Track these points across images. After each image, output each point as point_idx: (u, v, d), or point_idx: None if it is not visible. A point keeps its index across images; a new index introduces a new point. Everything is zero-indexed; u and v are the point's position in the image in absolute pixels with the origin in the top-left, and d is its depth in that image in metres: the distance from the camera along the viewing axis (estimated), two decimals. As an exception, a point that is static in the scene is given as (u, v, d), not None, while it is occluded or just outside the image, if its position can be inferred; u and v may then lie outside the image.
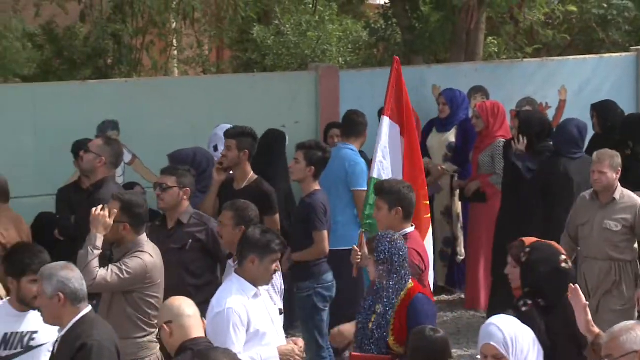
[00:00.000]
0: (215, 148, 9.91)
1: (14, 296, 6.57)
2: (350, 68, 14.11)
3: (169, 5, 14.02)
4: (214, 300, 6.64)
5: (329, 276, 8.81)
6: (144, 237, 7.28)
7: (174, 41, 14.80)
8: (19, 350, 6.51)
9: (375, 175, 8.40)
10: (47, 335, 6.31)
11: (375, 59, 15.44)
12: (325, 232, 8.77)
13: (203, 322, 5.96)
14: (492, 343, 5.65)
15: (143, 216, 7.28)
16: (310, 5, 14.78)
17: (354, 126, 10.25)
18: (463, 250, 11.31)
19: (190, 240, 8.04)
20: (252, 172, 9.05)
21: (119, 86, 11.53)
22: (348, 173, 9.82)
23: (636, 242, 8.80)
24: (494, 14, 14.09)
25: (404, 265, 6.83)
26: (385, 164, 8.47)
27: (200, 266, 8.08)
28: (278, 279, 7.48)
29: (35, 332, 6.49)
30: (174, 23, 14.68)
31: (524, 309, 6.39)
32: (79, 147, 9.21)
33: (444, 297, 11.42)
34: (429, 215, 8.67)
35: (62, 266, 6.06)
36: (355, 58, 15.38)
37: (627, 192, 8.73)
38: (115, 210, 7.14)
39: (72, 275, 5.99)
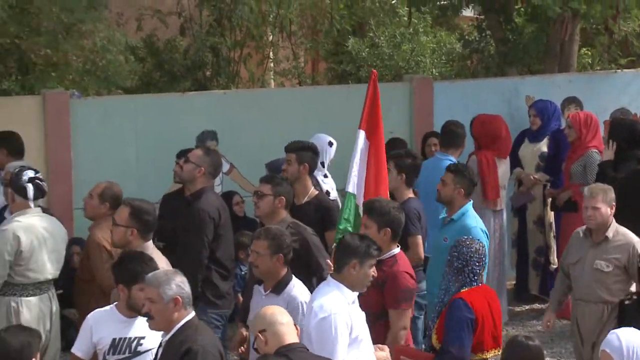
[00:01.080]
0: (311, 157, 9.97)
1: (123, 303, 6.65)
2: (444, 79, 14.10)
3: (266, 18, 14.19)
4: (315, 306, 6.59)
5: (424, 285, 8.65)
6: (150, 243, 7.34)
7: (271, 53, 14.93)
8: (126, 355, 6.60)
9: (350, 189, 8.13)
10: (154, 340, 6.37)
11: (468, 70, 15.40)
12: (420, 237, 8.66)
13: (297, 328, 6.02)
14: (607, 350, 5.64)
15: (151, 223, 7.38)
16: (405, 18, 14.77)
17: (453, 137, 10.21)
18: (556, 259, 11.21)
19: None
20: (312, 186, 8.99)
21: (218, 98, 11.66)
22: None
23: (633, 284, 8.03)
24: (588, 25, 13.97)
25: (474, 272, 6.93)
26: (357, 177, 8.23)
27: (295, 273, 8.11)
28: None
29: (143, 338, 6.57)
30: (271, 36, 14.81)
31: (627, 302, 6.42)
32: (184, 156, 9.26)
33: (537, 305, 11.27)
34: None
35: (174, 272, 6.16)
36: (448, 69, 15.36)
37: (622, 230, 8.05)
38: None
39: (184, 280, 6.11)
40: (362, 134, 8.24)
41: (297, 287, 7.20)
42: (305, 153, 8.95)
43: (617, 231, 8.03)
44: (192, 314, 6.12)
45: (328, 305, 6.53)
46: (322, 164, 9.87)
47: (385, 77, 13.91)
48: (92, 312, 6.84)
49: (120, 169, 10.42)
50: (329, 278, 6.87)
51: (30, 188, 8.06)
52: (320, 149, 9.74)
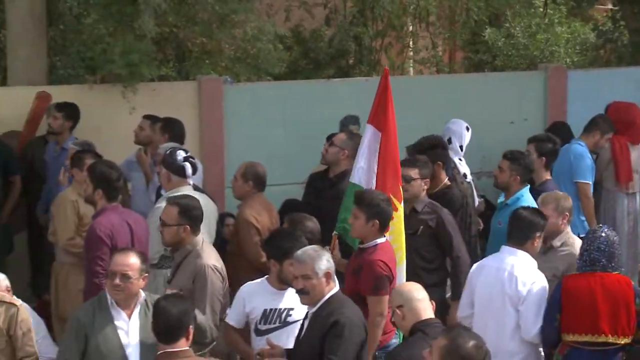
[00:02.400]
0: (449, 141, 9.90)
1: (274, 276, 6.72)
2: (578, 68, 13.83)
3: (406, 9, 14.13)
4: (532, 275, 6.89)
5: None
6: (200, 237, 7.06)
7: (410, 43, 14.86)
8: (277, 325, 6.67)
9: (355, 180, 7.92)
10: (302, 312, 6.42)
11: (601, 60, 15.07)
12: None
13: (432, 304, 5.98)
14: None
15: (200, 217, 7.06)
16: (540, 9, 14.55)
17: (590, 125, 10.05)
18: None
19: (422, 227, 8.06)
20: (446, 178, 8.89)
21: (360, 84, 11.67)
22: (572, 166, 9.64)
23: None
24: None
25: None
26: (364, 170, 7.94)
27: (430, 250, 8.08)
28: None
29: (292, 309, 6.64)
30: (411, 26, 14.75)
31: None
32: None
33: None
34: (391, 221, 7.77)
35: (320, 248, 6.25)
36: (582, 59, 15.06)
37: (573, 241, 7.55)
38: None
39: (330, 255, 6.18)
40: (369, 128, 7.93)
41: None
42: (434, 152, 8.90)
43: (567, 242, 7.56)
44: (337, 287, 6.15)
45: (541, 274, 6.89)
46: (461, 147, 9.84)
47: (520, 65, 13.71)
48: (244, 285, 6.94)
49: (269, 151, 10.54)
50: (514, 249, 6.97)
51: (187, 166, 8.17)
52: (458, 134, 9.77)
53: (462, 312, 7.21)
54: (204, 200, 8.30)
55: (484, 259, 7.31)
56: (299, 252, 6.21)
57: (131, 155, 9.95)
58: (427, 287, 6.18)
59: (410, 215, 8.09)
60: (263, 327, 6.69)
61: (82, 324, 6.12)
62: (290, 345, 6.38)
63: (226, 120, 10.91)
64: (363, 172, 7.86)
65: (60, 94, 10.31)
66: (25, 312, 6.33)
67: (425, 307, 5.90)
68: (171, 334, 5.57)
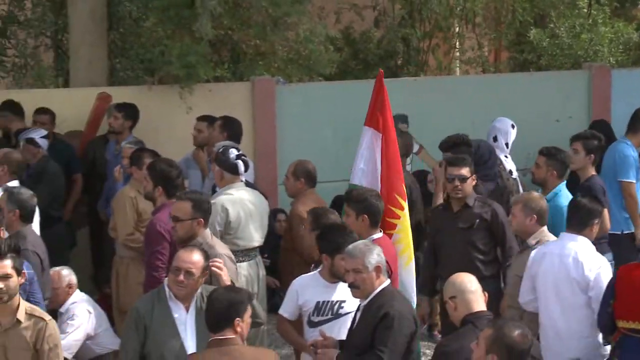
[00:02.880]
0: (495, 139, 9.91)
1: (327, 270, 6.75)
2: (621, 67, 13.75)
3: (453, 11, 14.13)
4: (598, 259, 6.92)
5: (609, 256, 8.38)
6: (208, 230, 7.01)
7: (457, 43, 14.85)
8: (329, 317, 6.70)
9: (355, 182, 7.74)
10: (353, 304, 6.44)
11: (644, 59, 14.97)
12: (606, 210, 8.39)
13: (485, 295, 5.99)
14: None
15: (209, 211, 7.01)
16: (584, 10, 14.47)
17: (634, 122, 9.98)
18: None
19: (477, 220, 8.05)
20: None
21: (408, 84, 11.73)
22: (617, 164, 9.60)
23: None
24: None
25: None
26: (365, 172, 7.78)
27: (486, 243, 8.06)
28: None
29: (344, 301, 6.66)
30: (457, 27, 14.73)
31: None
32: None
33: None
34: (396, 219, 7.65)
35: (369, 242, 6.30)
36: (625, 58, 14.95)
37: (547, 239, 7.34)
38: None
39: (380, 249, 6.21)
40: (367, 130, 7.79)
41: None
42: (459, 149, 8.84)
43: (541, 240, 7.35)
44: (388, 281, 6.21)
45: (604, 258, 6.98)
46: (507, 144, 9.86)
47: (565, 65, 13.64)
48: (297, 278, 6.98)
49: (319, 149, 10.61)
50: (574, 235, 6.99)
51: (240, 164, 8.21)
52: (504, 132, 9.80)
53: (524, 298, 7.17)
54: (255, 196, 8.39)
55: (543, 246, 7.24)
56: (350, 246, 6.26)
57: (188, 152, 10.05)
58: (484, 278, 6.19)
59: (463, 211, 8.10)
60: (316, 319, 6.73)
61: (141, 315, 6.18)
62: (343, 336, 6.41)
63: (278, 119, 11.00)
64: (363, 174, 7.74)
65: (120, 94, 10.45)
66: (54, 327, 6.17)
67: (477, 299, 5.88)
68: (219, 324, 5.62)
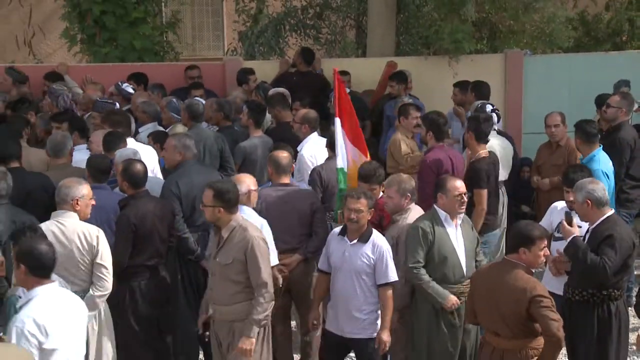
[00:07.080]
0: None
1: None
2: None
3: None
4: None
5: None
6: (238, 214, 6.07)
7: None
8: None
9: (342, 165, 6.95)
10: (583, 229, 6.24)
11: None
12: None
13: None
14: None
15: (234, 199, 6.02)
16: None
17: None
18: None
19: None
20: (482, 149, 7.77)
21: (632, 55, 11.42)
22: None
23: None
24: None
25: None
26: (344, 154, 7.00)
27: None
28: None
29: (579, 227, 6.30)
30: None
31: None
32: (602, 101, 9.08)
33: None
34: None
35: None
36: None
37: (407, 214, 6.45)
38: None
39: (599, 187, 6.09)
40: (337, 121, 7.01)
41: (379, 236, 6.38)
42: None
43: (404, 214, 6.50)
44: (612, 210, 6.14)
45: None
46: None
47: None
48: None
49: (556, 107, 9.84)
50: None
51: (494, 116, 8.25)
52: None
53: None
54: (503, 142, 8.38)
55: None
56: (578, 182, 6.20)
57: (450, 108, 9.86)
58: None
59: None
60: (557, 235, 6.59)
61: (425, 232, 6.17)
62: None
63: (525, 84, 10.98)
64: (343, 157, 6.99)
65: (403, 63, 10.66)
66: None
67: None
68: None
